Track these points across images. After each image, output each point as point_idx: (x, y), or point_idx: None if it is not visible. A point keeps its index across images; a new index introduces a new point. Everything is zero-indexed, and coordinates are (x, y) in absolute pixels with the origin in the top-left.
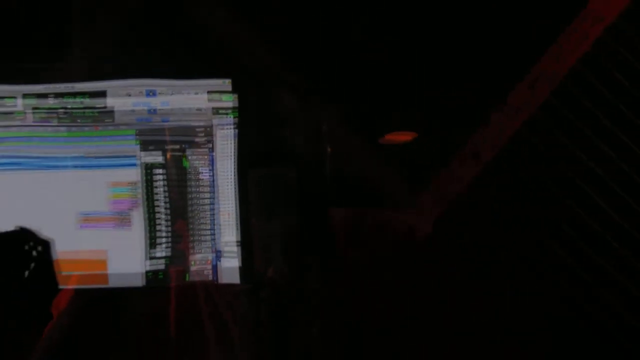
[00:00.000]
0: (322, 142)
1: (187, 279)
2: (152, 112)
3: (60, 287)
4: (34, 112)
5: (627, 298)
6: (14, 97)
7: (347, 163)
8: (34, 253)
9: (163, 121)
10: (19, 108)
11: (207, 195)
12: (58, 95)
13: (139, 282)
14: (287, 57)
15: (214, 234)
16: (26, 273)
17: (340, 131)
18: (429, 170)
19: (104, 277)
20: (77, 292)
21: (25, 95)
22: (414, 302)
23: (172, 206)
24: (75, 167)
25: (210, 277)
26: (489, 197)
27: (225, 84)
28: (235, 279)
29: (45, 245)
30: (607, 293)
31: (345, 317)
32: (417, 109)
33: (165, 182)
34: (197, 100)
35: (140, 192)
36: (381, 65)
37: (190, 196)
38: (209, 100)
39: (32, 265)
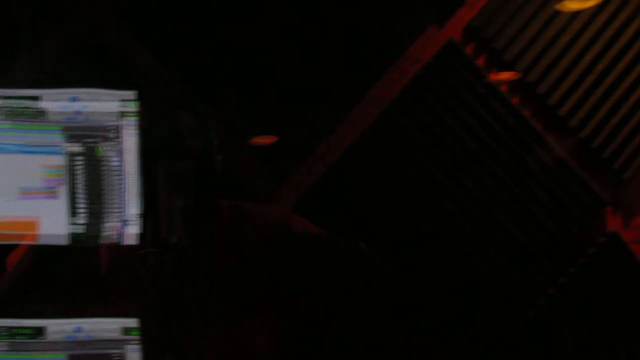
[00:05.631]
0: (203, 141)
1: (100, 240)
2: (77, 113)
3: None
4: None
5: None
6: None
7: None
8: None
9: (85, 120)
10: None
11: (117, 178)
12: (5, 97)
13: (65, 241)
14: (179, 76)
15: (122, 208)
16: None
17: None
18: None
19: (36, 236)
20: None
21: None
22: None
23: (90, 185)
24: (17, 152)
25: (117, 240)
26: (332, 190)
27: (132, 94)
28: (135, 241)
29: None
30: None
31: (226, 275)
32: (281, 119)
33: (84, 167)
34: (111, 105)
35: (65, 175)
36: (256, 85)
37: (103, 178)
38: (120, 106)
39: None
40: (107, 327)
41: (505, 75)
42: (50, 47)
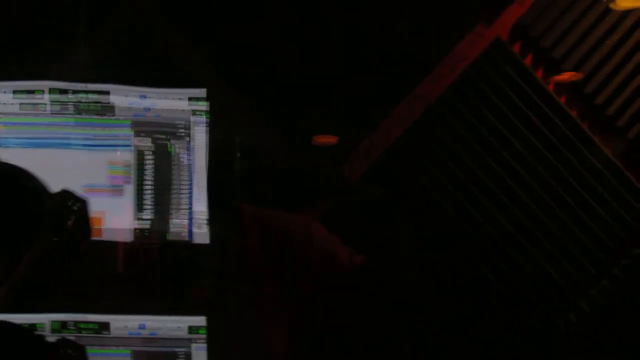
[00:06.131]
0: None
1: (167, 237)
2: (147, 110)
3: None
4: (52, 104)
5: None
6: (42, 91)
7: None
8: (75, 208)
9: (155, 117)
10: (44, 101)
11: (186, 174)
12: (75, 91)
13: (130, 237)
14: (245, 79)
15: (190, 205)
16: (69, 223)
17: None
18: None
19: (101, 232)
20: None
21: (50, 90)
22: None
23: (158, 181)
24: (84, 147)
25: (187, 238)
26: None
27: (202, 92)
28: (205, 240)
29: (84, 202)
30: None
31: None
32: (329, 118)
33: (154, 163)
34: (180, 103)
35: (132, 170)
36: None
37: (172, 174)
38: (189, 104)
39: (73, 217)
40: (173, 325)
41: (566, 76)
42: (121, 42)
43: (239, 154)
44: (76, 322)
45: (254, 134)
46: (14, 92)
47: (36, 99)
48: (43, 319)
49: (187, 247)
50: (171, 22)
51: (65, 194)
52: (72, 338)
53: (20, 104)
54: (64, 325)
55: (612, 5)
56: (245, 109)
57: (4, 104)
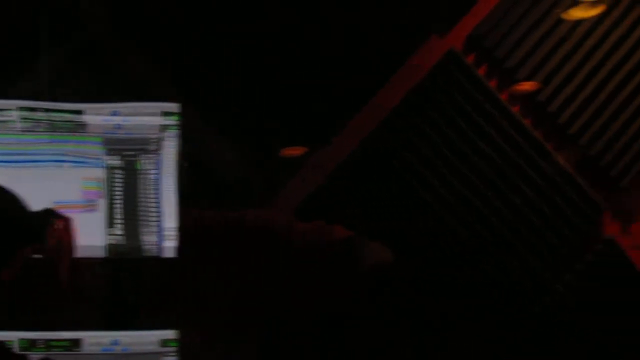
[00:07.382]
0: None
1: (140, 253)
2: (118, 127)
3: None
4: (23, 121)
5: None
6: (11, 109)
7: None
8: (58, 226)
9: (126, 134)
10: (13, 118)
11: (155, 190)
12: (46, 110)
13: (102, 253)
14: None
15: (159, 220)
16: (52, 241)
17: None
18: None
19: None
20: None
21: (20, 108)
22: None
23: (128, 198)
24: (56, 164)
25: (156, 254)
26: (331, 196)
27: (175, 107)
28: (173, 254)
29: (67, 220)
30: None
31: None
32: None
33: (123, 180)
34: (153, 119)
35: (105, 186)
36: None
37: (141, 190)
38: (162, 119)
39: (57, 234)
40: (145, 339)
41: (526, 86)
42: (93, 61)
43: (186, 164)
44: (46, 340)
45: (221, 146)
46: None
47: (5, 116)
48: (10, 337)
49: (156, 261)
50: (128, 35)
51: (48, 212)
52: (42, 356)
53: None
54: (33, 343)
55: (564, 16)
56: (211, 121)
57: None
